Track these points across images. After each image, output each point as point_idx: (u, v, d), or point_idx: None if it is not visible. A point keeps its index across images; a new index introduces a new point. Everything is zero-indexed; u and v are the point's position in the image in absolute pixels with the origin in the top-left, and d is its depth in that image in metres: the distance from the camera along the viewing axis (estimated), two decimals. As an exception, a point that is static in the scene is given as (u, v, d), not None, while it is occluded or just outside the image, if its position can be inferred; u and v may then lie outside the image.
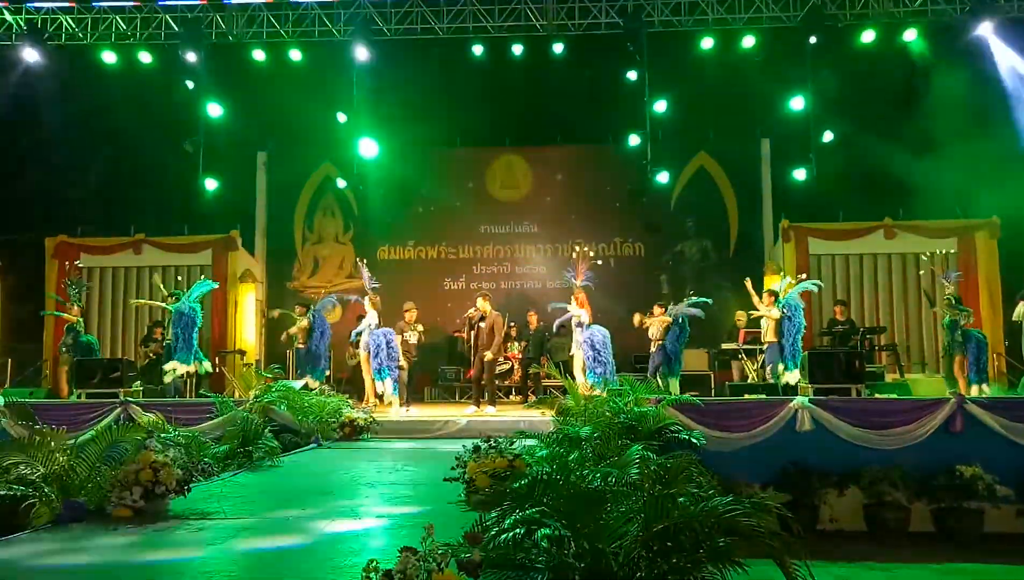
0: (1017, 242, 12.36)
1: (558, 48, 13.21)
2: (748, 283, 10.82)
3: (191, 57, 13.05)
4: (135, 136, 13.10)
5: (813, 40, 12.64)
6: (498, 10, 13.05)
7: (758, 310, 10.64)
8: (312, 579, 3.06)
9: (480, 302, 10.59)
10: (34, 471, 4.24)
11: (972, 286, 12.34)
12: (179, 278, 13.12)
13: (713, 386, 10.84)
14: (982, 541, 6.42)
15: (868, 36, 12.81)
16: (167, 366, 10.25)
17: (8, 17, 13.11)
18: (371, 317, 10.25)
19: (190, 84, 13.35)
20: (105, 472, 4.38)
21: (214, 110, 13.41)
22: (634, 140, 13.60)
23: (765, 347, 10.64)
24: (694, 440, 6.46)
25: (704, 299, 10.72)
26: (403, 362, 10.64)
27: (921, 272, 12.60)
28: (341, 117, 13.69)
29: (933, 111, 11.95)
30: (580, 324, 10.15)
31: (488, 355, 10.32)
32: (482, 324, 10.44)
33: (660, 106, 13.58)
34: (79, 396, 9.02)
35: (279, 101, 13.37)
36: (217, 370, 11.95)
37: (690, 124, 14.03)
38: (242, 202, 14.54)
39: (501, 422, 8.71)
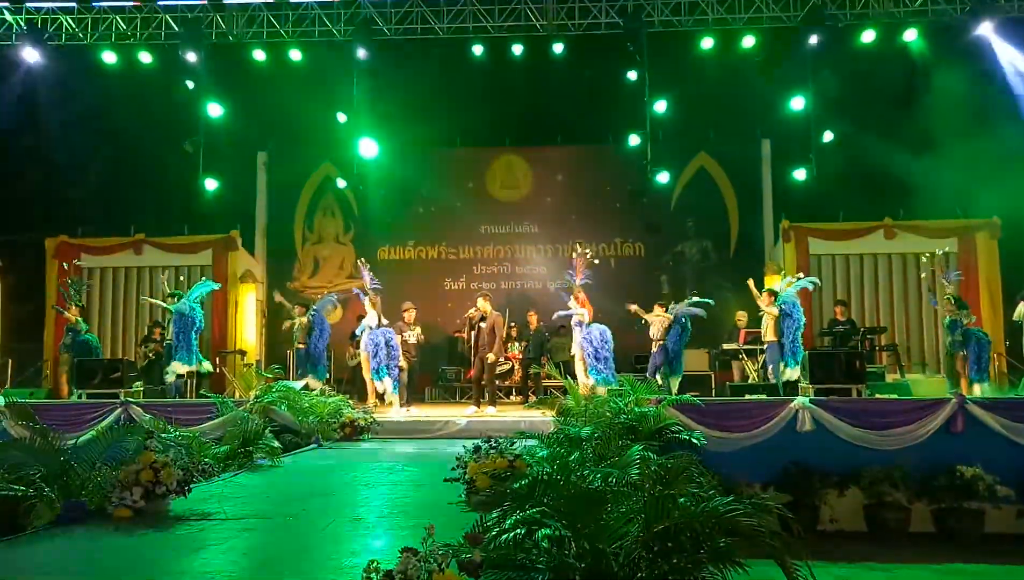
0: (1017, 242, 12.36)
1: (558, 48, 13.20)
2: (751, 283, 10.82)
3: (191, 57, 13.06)
4: (135, 136, 13.12)
5: (813, 40, 12.64)
6: (498, 10, 13.05)
7: (760, 305, 10.64)
8: (312, 579, 3.06)
9: (480, 302, 10.60)
10: (35, 471, 4.24)
11: (972, 286, 12.35)
12: (180, 278, 13.11)
13: (714, 386, 10.81)
14: (982, 542, 6.41)
15: (868, 36, 12.81)
16: (168, 368, 10.25)
17: (8, 17, 13.11)
18: (371, 317, 10.26)
19: (190, 84, 13.36)
20: (106, 472, 4.37)
21: (214, 110, 13.40)
22: (634, 140, 13.60)
23: (765, 346, 10.63)
24: (695, 440, 6.48)
25: (706, 300, 10.71)
26: (403, 362, 10.65)
27: (922, 274, 12.59)
28: (341, 117, 13.69)
29: (933, 111, 11.96)
30: (580, 323, 10.15)
31: (490, 357, 10.33)
32: (482, 324, 10.44)
33: (660, 106, 13.58)
34: (79, 396, 9.02)
35: (279, 101, 13.39)
36: (217, 370, 11.95)
37: (690, 124, 14.02)
38: (242, 202, 14.55)
39: (501, 422, 8.72)
